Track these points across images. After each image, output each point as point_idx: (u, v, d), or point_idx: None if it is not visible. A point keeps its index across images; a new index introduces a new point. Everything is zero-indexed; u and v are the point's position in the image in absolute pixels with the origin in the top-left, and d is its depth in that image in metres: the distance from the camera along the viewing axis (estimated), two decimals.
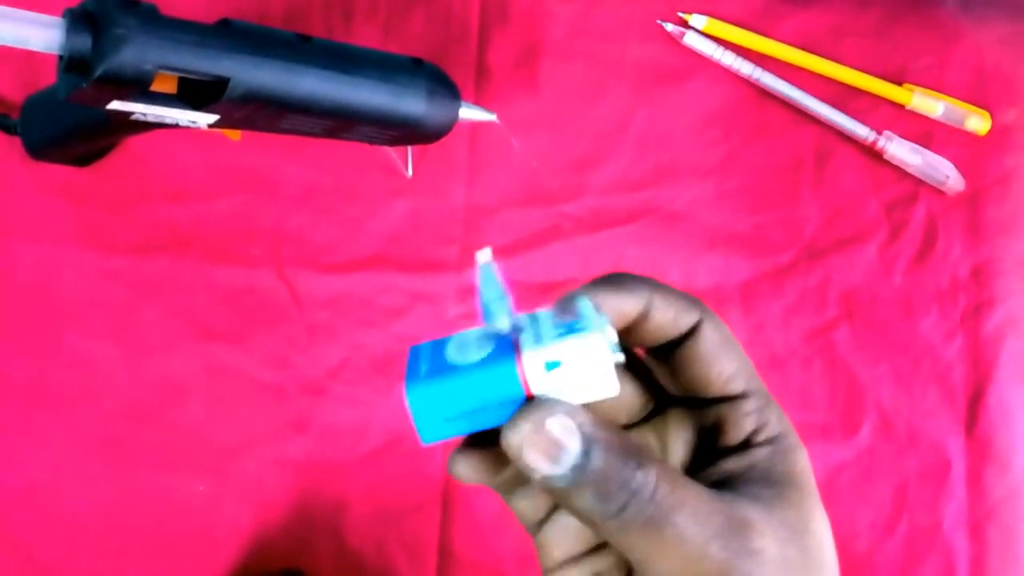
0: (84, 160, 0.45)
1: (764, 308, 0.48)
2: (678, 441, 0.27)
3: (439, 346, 0.23)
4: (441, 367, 0.22)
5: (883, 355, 0.48)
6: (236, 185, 0.46)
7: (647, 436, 0.27)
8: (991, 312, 0.48)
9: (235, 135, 0.39)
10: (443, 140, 0.40)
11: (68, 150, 0.43)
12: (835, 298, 0.48)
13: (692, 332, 0.25)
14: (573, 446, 0.21)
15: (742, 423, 0.25)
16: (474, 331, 0.23)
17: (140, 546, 0.44)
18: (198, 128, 0.36)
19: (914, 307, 0.48)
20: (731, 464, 0.25)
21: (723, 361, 0.25)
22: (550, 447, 0.21)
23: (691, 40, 0.48)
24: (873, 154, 0.48)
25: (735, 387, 0.25)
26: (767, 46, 0.48)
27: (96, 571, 0.44)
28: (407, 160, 0.46)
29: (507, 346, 0.22)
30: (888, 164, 0.49)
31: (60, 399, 0.44)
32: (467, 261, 0.47)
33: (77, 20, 0.30)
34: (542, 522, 0.26)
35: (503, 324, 0.22)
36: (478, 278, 0.22)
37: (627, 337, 0.25)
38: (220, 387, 0.45)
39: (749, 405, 0.25)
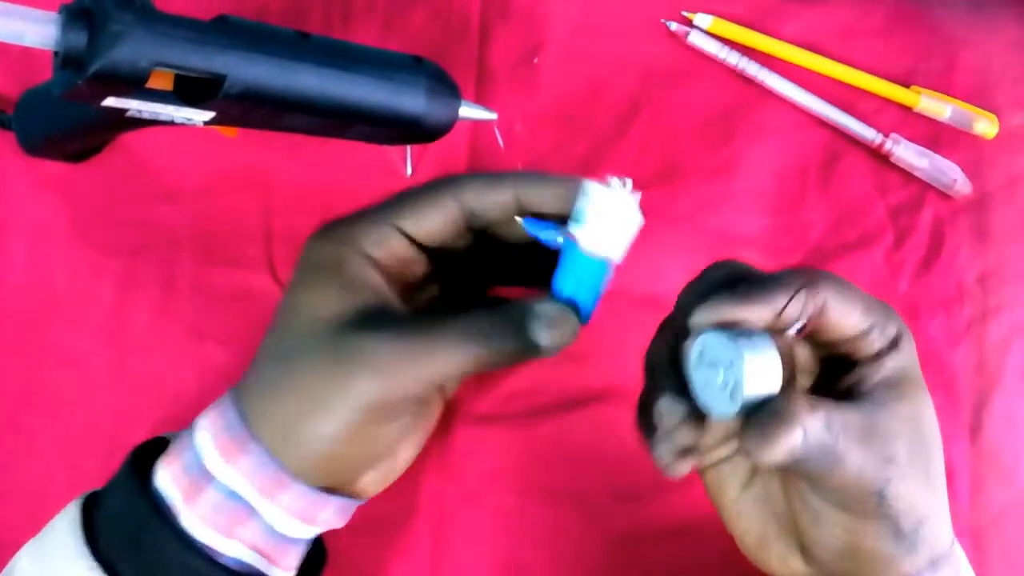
0: (79, 156, 0.44)
1: None
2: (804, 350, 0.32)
3: None
4: None
5: None
6: (231, 183, 0.45)
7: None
8: (998, 319, 0.48)
9: (231, 132, 0.39)
10: (443, 139, 0.40)
11: (63, 146, 0.42)
12: None
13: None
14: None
15: (873, 346, 0.29)
16: None
17: None
18: (194, 125, 0.35)
19: (920, 313, 0.48)
20: (865, 371, 0.30)
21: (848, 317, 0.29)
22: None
23: (695, 39, 0.47)
24: (880, 157, 0.48)
25: (862, 327, 0.29)
26: (773, 46, 0.48)
27: None
28: (406, 159, 0.46)
29: None
30: (895, 167, 0.48)
31: (50, 398, 0.44)
32: None
33: (73, 16, 0.29)
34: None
35: None
36: None
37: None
38: (212, 388, 0.44)
39: (875, 333, 0.29)
